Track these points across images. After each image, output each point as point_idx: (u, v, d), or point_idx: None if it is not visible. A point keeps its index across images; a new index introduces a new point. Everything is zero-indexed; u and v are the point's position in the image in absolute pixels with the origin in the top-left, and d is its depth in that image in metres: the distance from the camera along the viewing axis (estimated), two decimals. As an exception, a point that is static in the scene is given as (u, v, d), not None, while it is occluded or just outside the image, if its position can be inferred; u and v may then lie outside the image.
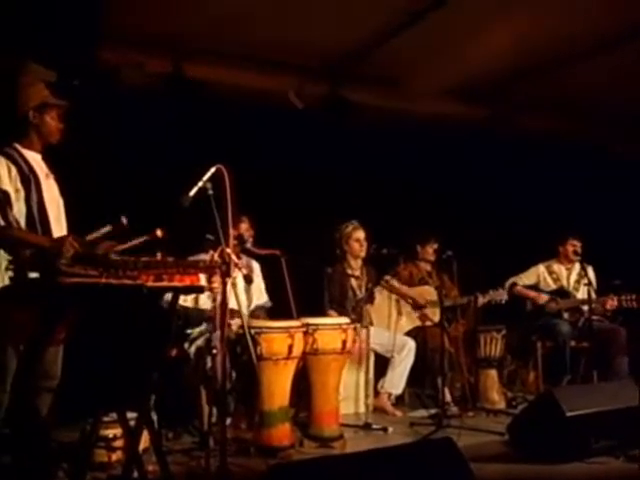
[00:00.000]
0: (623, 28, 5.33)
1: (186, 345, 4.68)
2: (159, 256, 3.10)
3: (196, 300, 4.68)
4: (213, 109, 5.63)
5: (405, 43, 5.60)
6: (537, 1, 5.00)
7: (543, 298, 6.17)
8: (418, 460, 2.61)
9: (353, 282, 5.52)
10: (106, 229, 3.10)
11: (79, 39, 3.83)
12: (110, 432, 3.76)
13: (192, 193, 3.50)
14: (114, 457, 3.78)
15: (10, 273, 2.83)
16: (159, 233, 3.09)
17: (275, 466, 2.34)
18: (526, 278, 6.37)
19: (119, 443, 3.78)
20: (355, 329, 4.53)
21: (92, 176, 4.81)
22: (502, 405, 5.64)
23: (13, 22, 3.24)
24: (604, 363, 5.74)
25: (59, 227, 3.46)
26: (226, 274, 3.37)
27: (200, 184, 3.51)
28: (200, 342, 4.63)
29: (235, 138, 5.65)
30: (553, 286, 6.29)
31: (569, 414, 3.88)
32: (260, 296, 4.98)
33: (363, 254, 5.55)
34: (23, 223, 3.30)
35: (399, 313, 5.67)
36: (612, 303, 5.94)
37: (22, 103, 3.41)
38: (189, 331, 4.74)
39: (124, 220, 3.12)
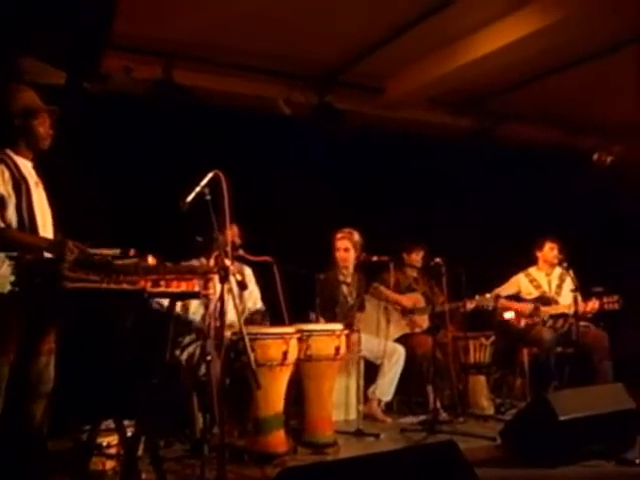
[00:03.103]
0: (607, 40, 5.45)
1: (177, 352, 4.64)
2: (150, 260, 3.09)
3: (186, 309, 4.65)
4: (202, 115, 5.62)
5: (391, 53, 5.66)
6: (523, 15, 5.11)
7: (528, 308, 6.14)
8: (423, 463, 2.61)
9: (344, 289, 5.49)
10: (114, 252, 3.06)
11: (89, 44, 3.78)
12: (104, 440, 3.72)
13: (190, 199, 3.46)
14: (108, 465, 3.73)
15: (12, 278, 2.79)
16: (150, 260, 3.06)
17: (284, 470, 2.33)
18: (509, 288, 6.39)
19: (113, 451, 3.75)
20: (348, 335, 4.53)
21: (81, 184, 4.76)
22: (491, 411, 5.66)
23: (16, 24, 3.20)
24: (589, 368, 5.80)
25: (46, 236, 3.42)
26: (224, 279, 3.35)
27: (198, 189, 3.48)
28: (191, 349, 4.60)
29: (224, 144, 5.62)
30: (535, 293, 6.27)
31: (562, 418, 3.93)
32: (255, 302, 4.96)
33: (348, 263, 5.51)
34: (13, 229, 3.27)
35: (387, 321, 5.66)
36: (593, 306, 5.93)
37: (7, 110, 3.38)
38: (180, 338, 4.71)
39: (132, 251, 3.09)
